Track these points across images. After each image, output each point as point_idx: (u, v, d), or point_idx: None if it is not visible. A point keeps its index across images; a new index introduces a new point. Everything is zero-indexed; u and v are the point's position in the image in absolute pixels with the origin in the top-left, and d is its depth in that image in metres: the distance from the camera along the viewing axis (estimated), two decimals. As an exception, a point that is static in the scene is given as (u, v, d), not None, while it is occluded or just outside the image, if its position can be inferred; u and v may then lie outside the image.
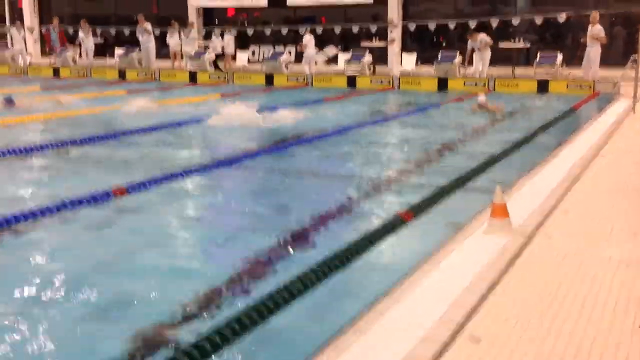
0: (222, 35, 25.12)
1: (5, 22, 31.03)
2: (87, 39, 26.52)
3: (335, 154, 9.78)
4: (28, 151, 9.15)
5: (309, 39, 23.71)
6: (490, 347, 3.12)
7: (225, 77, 23.39)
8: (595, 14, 19.09)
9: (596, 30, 18.88)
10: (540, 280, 4.04)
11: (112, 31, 27.42)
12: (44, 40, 27.91)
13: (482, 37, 20.71)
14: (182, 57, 25.25)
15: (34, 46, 29.65)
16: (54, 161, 8.96)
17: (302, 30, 24.03)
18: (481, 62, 20.88)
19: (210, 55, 24.63)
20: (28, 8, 29.90)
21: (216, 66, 24.90)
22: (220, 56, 24.95)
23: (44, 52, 29.57)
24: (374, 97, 19.31)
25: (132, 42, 25.97)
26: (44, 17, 30.43)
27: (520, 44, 22.80)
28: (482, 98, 14.14)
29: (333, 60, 24.94)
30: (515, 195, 6.17)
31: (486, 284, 3.92)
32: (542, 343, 3.18)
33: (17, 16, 30.37)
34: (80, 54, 26.98)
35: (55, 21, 27.02)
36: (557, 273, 4.17)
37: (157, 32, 25.67)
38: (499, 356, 3.02)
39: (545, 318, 3.48)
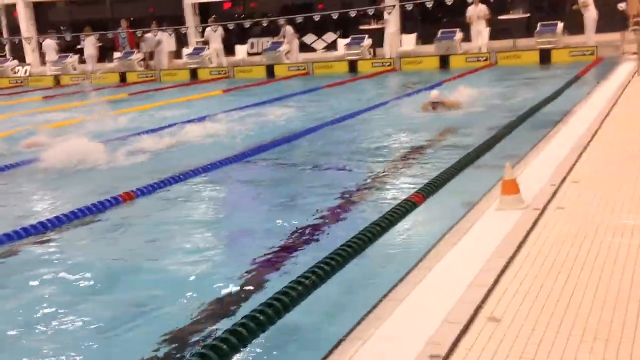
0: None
1: (2, 34, 31.02)
2: (89, 45, 26.52)
3: (341, 141, 9.76)
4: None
5: (288, 30, 23.57)
6: (510, 325, 3.11)
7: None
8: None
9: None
10: (556, 253, 4.01)
11: (110, 35, 27.35)
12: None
13: (483, 7, 20.65)
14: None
15: (32, 55, 29.62)
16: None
17: (299, 19, 23.92)
18: (480, 37, 20.77)
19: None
20: (24, 17, 29.82)
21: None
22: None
23: (43, 62, 29.56)
24: (376, 80, 19.25)
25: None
26: (40, 26, 30.37)
27: (519, 14, 22.65)
28: (434, 93, 11.74)
29: (332, 46, 24.86)
30: (525, 169, 6.13)
31: (502, 261, 3.90)
32: (563, 317, 3.16)
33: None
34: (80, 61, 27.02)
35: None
36: (573, 244, 4.15)
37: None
38: (520, 336, 3.01)
39: (564, 291, 3.46)
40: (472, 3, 21.05)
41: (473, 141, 8.34)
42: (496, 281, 3.65)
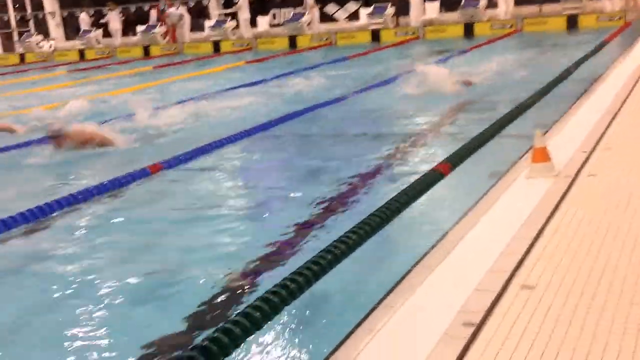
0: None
1: (25, 9, 31.14)
2: (114, 19, 26.56)
3: (365, 110, 9.70)
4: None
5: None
6: (544, 293, 3.08)
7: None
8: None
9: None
10: (589, 220, 3.96)
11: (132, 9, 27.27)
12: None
13: None
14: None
15: (56, 30, 29.73)
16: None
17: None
18: (505, 3, 20.46)
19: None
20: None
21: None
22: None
23: (68, 36, 29.67)
24: (400, 49, 19.07)
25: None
26: (64, 2, 30.41)
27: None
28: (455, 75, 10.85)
29: (355, 15, 24.63)
30: (555, 137, 6.05)
31: (534, 229, 3.86)
32: (597, 284, 3.13)
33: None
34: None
35: None
36: (606, 211, 4.09)
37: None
38: (555, 303, 2.98)
39: (598, 258, 3.42)
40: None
41: (500, 111, 8.23)
42: (528, 249, 3.61)
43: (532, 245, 3.67)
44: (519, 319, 2.86)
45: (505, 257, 3.53)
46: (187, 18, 25.54)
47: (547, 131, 6.27)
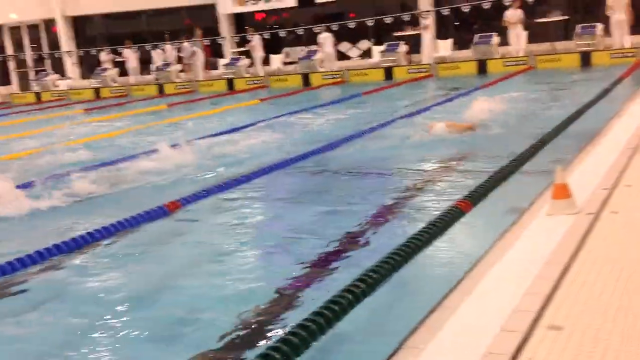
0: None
1: (42, 49, 31.64)
2: (131, 57, 26.87)
3: (380, 148, 9.67)
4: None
5: (324, 37, 23.59)
6: (572, 334, 3.01)
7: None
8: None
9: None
10: (613, 258, 3.89)
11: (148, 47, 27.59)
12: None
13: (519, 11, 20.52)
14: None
15: (72, 69, 30.14)
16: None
17: (334, 27, 23.93)
18: (518, 40, 20.58)
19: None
20: (63, 32, 30.36)
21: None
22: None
23: (83, 75, 30.07)
24: (412, 86, 19.15)
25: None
26: (80, 41, 30.90)
27: (557, 17, 22.31)
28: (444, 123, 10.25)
29: (367, 53, 24.81)
30: (573, 174, 5.99)
31: (558, 268, 3.79)
32: (625, 323, 3.05)
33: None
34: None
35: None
36: (630, 248, 4.02)
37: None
38: (583, 343, 2.91)
39: (625, 296, 3.34)
40: (509, 6, 20.86)
41: (517, 148, 8.17)
42: (553, 289, 3.54)
43: (557, 285, 3.59)
44: (548, 361, 2.78)
45: (529, 297, 3.46)
46: (200, 54, 25.82)
47: (565, 168, 6.21)
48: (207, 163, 9.45)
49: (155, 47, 27.27)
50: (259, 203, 7.46)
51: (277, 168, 8.52)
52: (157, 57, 26.91)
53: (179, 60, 26.36)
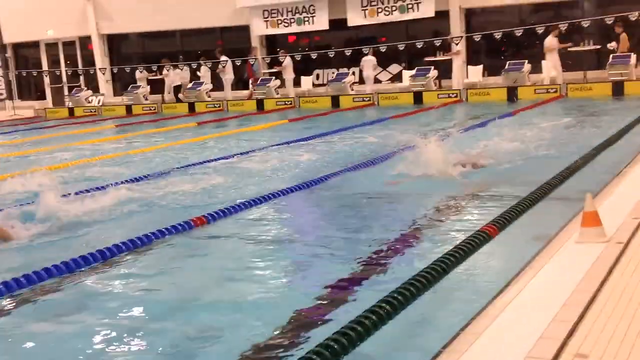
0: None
1: (77, 65, 32.17)
2: (170, 75, 27.13)
3: (407, 171, 9.61)
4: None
5: (367, 60, 23.68)
6: (599, 363, 2.95)
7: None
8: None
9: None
10: (643, 290, 3.82)
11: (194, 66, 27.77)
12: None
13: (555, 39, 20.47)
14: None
15: (105, 86, 30.59)
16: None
17: (365, 50, 24.01)
18: (554, 68, 20.48)
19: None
20: (98, 49, 30.87)
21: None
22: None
23: (116, 92, 30.48)
24: (442, 111, 19.10)
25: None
26: (114, 58, 31.37)
27: (590, 46, 22.14)
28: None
29: (397, 77, 24.85)
30: (605, 202, 5.91)
31: (586, 296, 3.73)
32: (655, 357, 2.99)
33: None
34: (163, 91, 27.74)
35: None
36: (661, 281, 3.94)
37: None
38: (611, 373, 2.85)
39: (655, 330, 3.27)
40: (549, 34, 20.82)
41: (547, 174, 8.08)
42: (580, 317, 3.48)
43: (584, 313, 3.54)
44: (574, 390, 2.73)
45: (556, 324, 3.40)
46: (229, 76, 26.12)
47: (595, 195, 6.13)
48: (232, 180, 9.50)
49: (189, 65, 27.52)
50: (283, 222, 7.45)
51: (301, 188, 8.51)
52: (180, 76, 27.17)
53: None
